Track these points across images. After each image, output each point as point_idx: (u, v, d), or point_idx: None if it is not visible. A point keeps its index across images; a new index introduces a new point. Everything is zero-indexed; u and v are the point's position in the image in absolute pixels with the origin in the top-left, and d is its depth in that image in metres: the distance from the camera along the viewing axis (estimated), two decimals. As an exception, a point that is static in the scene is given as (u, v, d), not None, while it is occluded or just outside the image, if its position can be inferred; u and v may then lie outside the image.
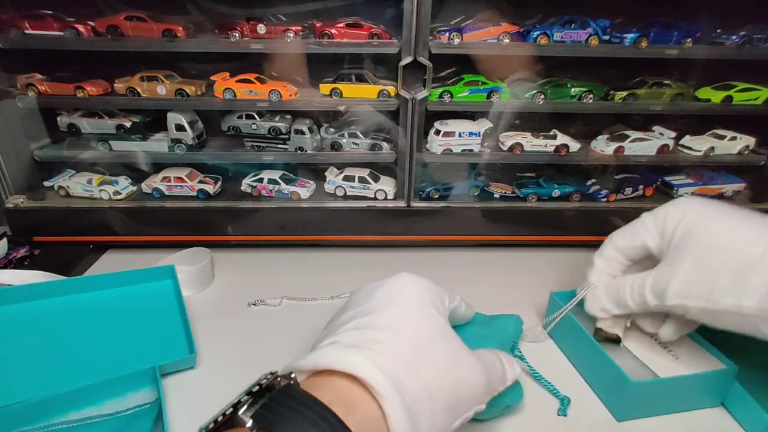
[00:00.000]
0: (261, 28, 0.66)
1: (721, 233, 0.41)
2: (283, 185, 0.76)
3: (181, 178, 0.75)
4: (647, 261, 0.50)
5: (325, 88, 0.71)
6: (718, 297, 0.39)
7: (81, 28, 0.65)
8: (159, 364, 0.48)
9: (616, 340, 0.51)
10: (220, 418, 0.28)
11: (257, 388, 0.30)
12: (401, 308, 0.36)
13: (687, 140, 0.78)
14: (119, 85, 0.71)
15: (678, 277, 0.42)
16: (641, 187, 0.79)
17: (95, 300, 0.61)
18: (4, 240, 0.73)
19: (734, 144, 0.77)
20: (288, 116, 0.76)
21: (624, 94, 0.73)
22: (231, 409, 0.29)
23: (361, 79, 0.71)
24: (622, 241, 0.50)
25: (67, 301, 0.60)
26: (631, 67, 0.76)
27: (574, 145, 0.76)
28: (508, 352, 0.50)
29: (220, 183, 0.78)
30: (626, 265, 0.51)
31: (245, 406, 0.28)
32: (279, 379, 0.31)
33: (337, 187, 0.77)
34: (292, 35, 0.67)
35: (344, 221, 0.75)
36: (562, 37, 0.68)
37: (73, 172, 0.78)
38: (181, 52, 0.70)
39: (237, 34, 0.66)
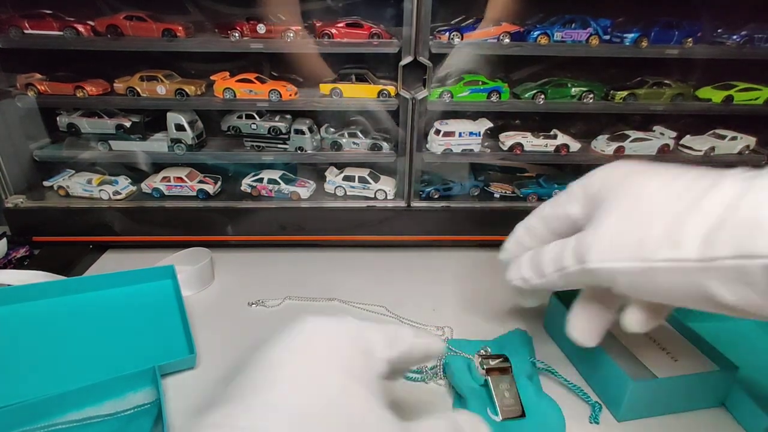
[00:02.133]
0: (261, 28, 0.66)
1: (650, 182, 0.35)
2: (283, 185, 0.76)
3: (180, 178, 0.75)
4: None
5: (325, 87, 0.71)
6: (651, 252, 0.32)
7: (81, 27, 0.65)
8: (159, 364, 0.48)
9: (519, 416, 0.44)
10: None
11: None
12: (286, 383, 0.27)
13: (687, 140, 0.78)
14: (119, 85, 0.71)
15: (602, 235, 0.35)
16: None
17: (95, 300, 0.61)
18: (4, 240, 0.73)
19: (735, 144, 0.77)
20: (288, 116, 0.76)
21: (624, 93, 0.73)
22: None
23: (361, 78, 0.71)
24: (548, 209, 0.45)
25: (67, 301, 0.60)
26: (631, 66, 0.76)
27: (575, 145, 0.76)
28: (528, 374, 0.49)
29: (219, 183, 0.78)
30: (547, 237, 0.45)
31: None
32: None
33: (337, 187, 0.77)
34: (292, 35, 0.67)
35: (344, 221, 0.75)
36: (562, 37, 0.68)
37: (73, 172, 0.77)
38: (181, 52, 0.70)
39: (237, 34, 0.66)
